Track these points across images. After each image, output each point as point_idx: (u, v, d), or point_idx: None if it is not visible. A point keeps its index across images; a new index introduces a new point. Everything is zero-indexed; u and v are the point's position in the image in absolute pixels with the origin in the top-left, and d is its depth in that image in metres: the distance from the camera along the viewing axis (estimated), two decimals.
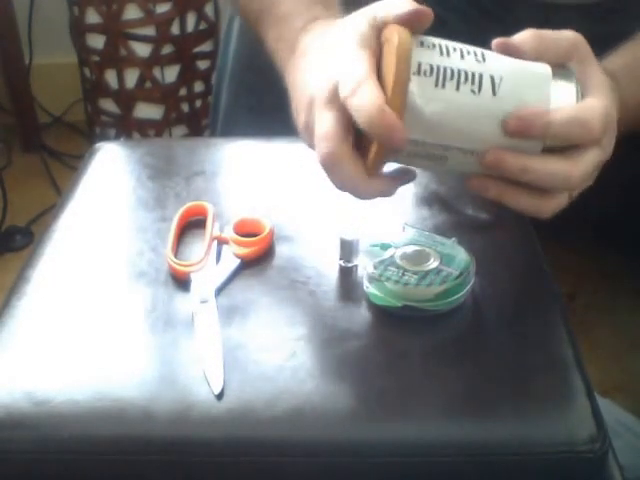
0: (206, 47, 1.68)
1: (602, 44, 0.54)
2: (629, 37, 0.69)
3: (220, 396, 0.53)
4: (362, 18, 0.54)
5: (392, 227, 0.65)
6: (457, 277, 0.59)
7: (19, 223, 1.60)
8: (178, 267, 0.63)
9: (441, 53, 0.52)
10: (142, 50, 1.61)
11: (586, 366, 0.57)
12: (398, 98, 0.50)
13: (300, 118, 0.58)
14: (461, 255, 0.61)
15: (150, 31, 1.60)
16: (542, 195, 0.54)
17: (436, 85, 0.51)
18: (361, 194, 0.54)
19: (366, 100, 0.49)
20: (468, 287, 0.59)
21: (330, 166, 0.53)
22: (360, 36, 0.52)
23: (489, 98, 0.52)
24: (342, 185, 0.54)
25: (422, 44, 0.52)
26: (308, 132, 0.56)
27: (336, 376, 0.55)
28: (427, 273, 0.59)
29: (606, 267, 1.25)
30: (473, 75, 0.51)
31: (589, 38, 0.54)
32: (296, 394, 0.54)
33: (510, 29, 0.54)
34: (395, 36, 0.51)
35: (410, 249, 0.62)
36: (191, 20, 1.62)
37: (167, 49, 1.62)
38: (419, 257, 0.61)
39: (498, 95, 0.52)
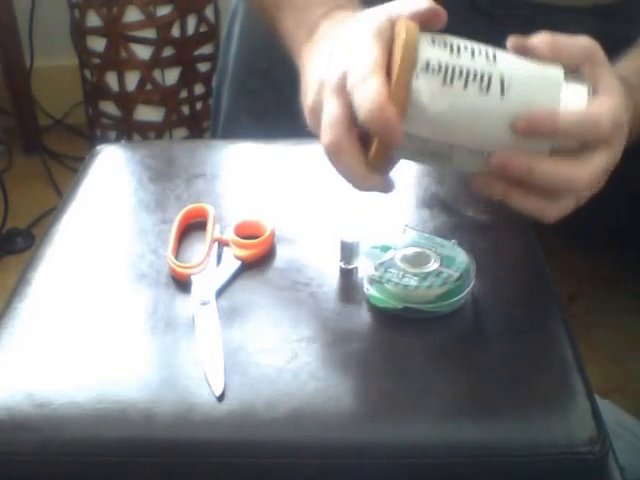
0: (206, 49, 1.68)
1: (604, 46, 0.54)
2: (633, 40, 0.69)
3: (221, 398, 0.53)
4: (380, 10, 0.54)
5: (392, 229, 0.65)
6: (457, 279, 0.59)
7: (20, 225, 1.59)
8: (179, 269, 0.63)
9: (451, 51, 0.52)
10: (143, 52, 1.62)
11: (586, 367, 0.57)
12: (401, 91, 0.50)
13: (307, 100, 0.58)
14: (461, 257, 0.61)
15: (151, 34, 1.60)
16: (548, 198, 0.53)
17: (444, 82, 0.51)
18: (359, 185, 0.54)
19: (368, 95, 0.49)
20: (468, 289, 0.59)
21: (333, 154, 0.53)
22: (375, 27, 0.53)
23: (497, 98, 0.51)
24: (342, 174, 0.54)
25: (433, 42, 0.52)
26: (315, 115, 0.56)
27: (337, 378, 0.55)
28: (427, 275, 0.59)
29: (606, 268, 1.26)
30: (482, 75, 0.51)
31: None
32: (297, 396, 0.54)
33: (509, 31, 0.54)
34: (403, 30, 0.51)
35: (410, 251, 0.62)
36: (192, 23, 1.63)
37: (168, 51, 1.63)
38: (419, 259, 0.61)
39: (507, 96, 0.51)
